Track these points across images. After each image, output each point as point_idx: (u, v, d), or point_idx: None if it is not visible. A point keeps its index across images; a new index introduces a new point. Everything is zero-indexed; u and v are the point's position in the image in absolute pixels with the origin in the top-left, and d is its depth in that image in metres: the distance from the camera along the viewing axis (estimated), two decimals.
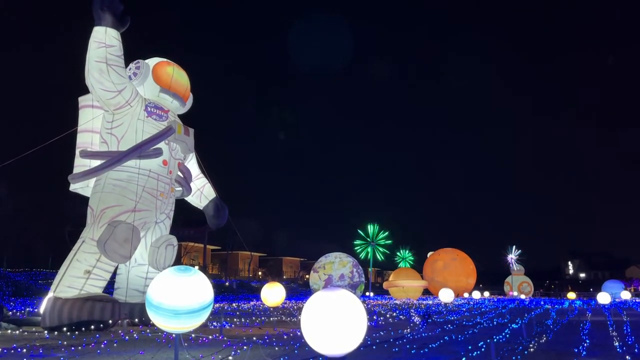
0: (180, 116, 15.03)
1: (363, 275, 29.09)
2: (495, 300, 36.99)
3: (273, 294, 16.76)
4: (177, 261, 40.11)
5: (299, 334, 9.83)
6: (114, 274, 13.33)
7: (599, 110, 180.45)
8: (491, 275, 69.86)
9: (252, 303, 27.61)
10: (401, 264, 56.81)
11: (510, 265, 54.92)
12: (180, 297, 6.56)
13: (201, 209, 16.42)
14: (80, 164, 13.40)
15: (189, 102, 15.38)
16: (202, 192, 16.14)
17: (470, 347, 8.22)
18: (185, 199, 15.72)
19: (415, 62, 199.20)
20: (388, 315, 16.89)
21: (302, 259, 76.25)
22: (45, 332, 11.01)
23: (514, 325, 12.63)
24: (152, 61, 14.28)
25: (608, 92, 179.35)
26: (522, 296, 47.15)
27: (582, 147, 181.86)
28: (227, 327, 12.23)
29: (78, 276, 11.66)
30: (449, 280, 43.79)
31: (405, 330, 11.62)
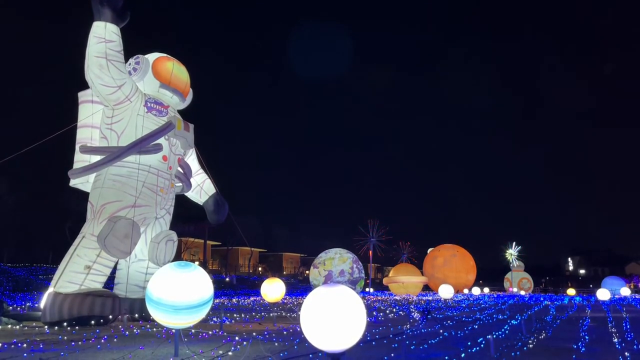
0: (180, 112, 15.00)
1: (363, 271, 29.12)
2: (495, 296, 37.05)
3: (273, 289, 16.77)
4: (177, 257, 40.22)
5: (298, 329, 9.85)
6: (114, 269, 13.35)
7: (600, 109, 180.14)
8: (491, 272, 70.01)
9: (252, 299, 27.67)
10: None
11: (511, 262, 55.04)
12: (180, 292, 6.56)
13: (201, 204, 16.42)
14: (80, 160, 13.38)
15: (189, 98, 15.35)
16: (202, 188, 16.12)
17: (469, 343, 8.23)
18: (185, 194, 15.71)
19: (415, 65, 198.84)
20: (388, 311, 16.91)
21: (302, 255, 76.32)
22: (46, 327, 11.03)
23: (513, 322, 12.64)
24: (152, 56, 14.23)
25: (609, 91, 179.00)
26: (522, 292, 47.24)
27: (582, 145, 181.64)
28: (227, 323, 12.25)
29: (78, 271, 11.67)
30: (448, 277, 43.86)
31: (405, 326, 11.64)
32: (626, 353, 7.47)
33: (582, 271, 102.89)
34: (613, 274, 52.57)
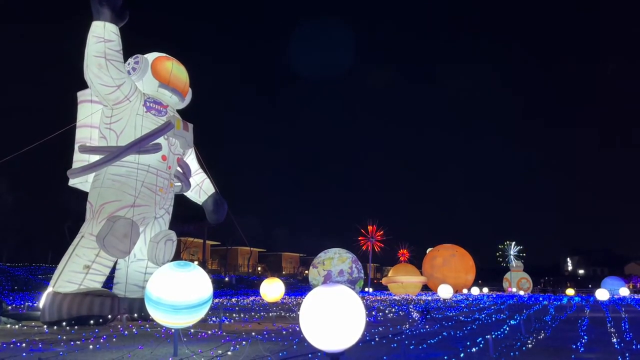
0: (179, 111, 14.99)
1: (362, 271, 29.10)
2: (494, 296, 37.05)
3: (272, 289, 16.77)
4: (177, 256, 40.16)
5: (297, 329, 9.85)
6: (113, 269, 13.35)
7: (600, 108, 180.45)
8: (490, 272, 70.04)
9: (251, 298, 27.66)
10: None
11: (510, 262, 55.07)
12: (179, 292, 6.56)
13: (200, 204, 16.41)
14: (79, 159, 13.37)
15: (188, 98, 15.34)
16: (201, 188, 16.11)
17: (468, 343, 8.23)
18: (185, 194, 15.70)
19: (415, 66, 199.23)
20: (387, 311, 16.91)
21: (301, 255, 76.27)
22: (45, 326, 11.02)
23: (512, 322, 12.65)
24: (151, 56, 14.22)
25: (609, 91, 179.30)
26: (521, 292, 47.25)
27: (583, 144, 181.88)
28: (226, 323, 12.25)
29: (77, 271, 11.66)
30: (448, 277, 43.87)
31: (404, 326, 11.64)
32: (626, 353, 7.47)
33: (581, 271, 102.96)
34: (612, 274, 52.59)
